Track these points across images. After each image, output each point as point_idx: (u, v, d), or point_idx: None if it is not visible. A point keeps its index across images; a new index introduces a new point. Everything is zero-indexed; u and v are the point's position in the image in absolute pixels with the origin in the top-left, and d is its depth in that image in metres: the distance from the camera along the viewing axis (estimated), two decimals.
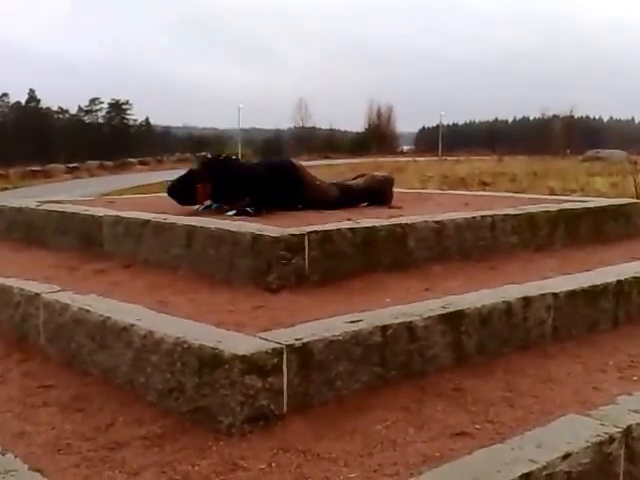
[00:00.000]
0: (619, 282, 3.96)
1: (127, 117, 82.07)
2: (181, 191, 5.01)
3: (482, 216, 4.58)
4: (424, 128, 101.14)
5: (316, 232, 3.77)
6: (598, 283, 3.87)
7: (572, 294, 3.71)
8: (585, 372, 3.24)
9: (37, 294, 3.65)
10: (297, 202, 5.04)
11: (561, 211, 5.11)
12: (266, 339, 2.76)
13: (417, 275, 3.96)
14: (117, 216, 4.57)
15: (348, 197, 5.30)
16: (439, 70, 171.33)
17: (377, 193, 5.47)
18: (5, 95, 73.36)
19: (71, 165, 46.63)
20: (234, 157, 5.34)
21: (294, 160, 5.38)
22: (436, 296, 3.49)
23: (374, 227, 4.03)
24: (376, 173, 6.03)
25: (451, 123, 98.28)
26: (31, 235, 5.25)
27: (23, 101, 75.03)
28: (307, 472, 2.33)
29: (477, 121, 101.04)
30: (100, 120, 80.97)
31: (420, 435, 2.58)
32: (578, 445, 2.46)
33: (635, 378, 3.19)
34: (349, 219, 4.24)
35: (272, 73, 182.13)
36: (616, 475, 2.58)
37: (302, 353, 2.74)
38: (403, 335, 3.04)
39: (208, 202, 5.05)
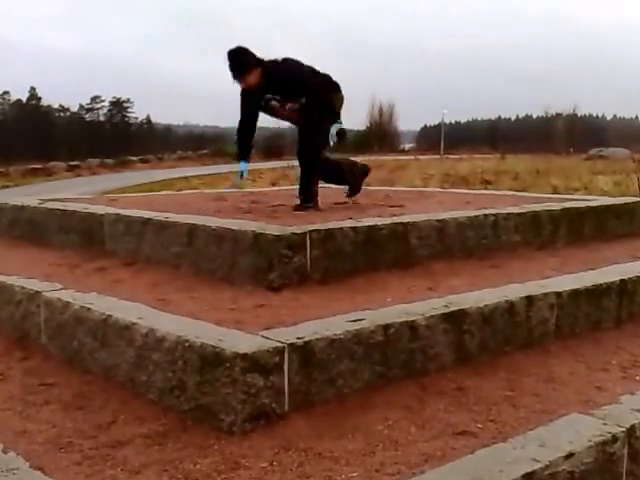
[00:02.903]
0: (622, 281, 3.95)
1: (128, 115, 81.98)
2: (241, 62, 5.11)
3: (485, 214, 4.58)
4: (426, 126, 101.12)
5: (318, 231, 3.76)
6: (601, 282, 3.87)
7: (575, 293, 3.70)
8: (588, 371, 3.23)
9: (38, 292, 3.65)
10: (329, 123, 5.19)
11: (564, 210, 5.10)
12: (268, 337, 2.76)
13: (419, 273, 3.95)
14: (118, 214, 4.56)
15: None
16: (441, 68, 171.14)
17: (352, 173, 5.59)
18: (6, 93, 73.31)
19: (72, 163, 46.55)
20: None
21: None
22: (438, 295, 3.48)
23: (376, 226, 4.02)
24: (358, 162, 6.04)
25: (453, 121, 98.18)
26: (32, 233, 5.24)
27: (24, 99, 74.99)
28: (309, 471, 2.32)
29: (479, 119, 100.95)
30: (101, 118, 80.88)
31: (422, 434, 2.57)
32: (581, 444, 2.46)
33: (638, 377, 3.18)
34: (350, 218, 4.23)
35: None
36: (619, 475, 2.57)
37: (304, 352, 2.73)
38: (405, 334, 3.03)
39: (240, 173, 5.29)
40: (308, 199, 5.16)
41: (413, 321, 3.07)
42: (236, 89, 5.06)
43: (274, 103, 5.15)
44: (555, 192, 12.83)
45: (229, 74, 5.08)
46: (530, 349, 3.43)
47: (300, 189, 5.28)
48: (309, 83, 5.12)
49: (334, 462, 2.37)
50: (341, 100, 5.23)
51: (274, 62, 5.18)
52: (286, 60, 5.23)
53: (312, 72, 5.20)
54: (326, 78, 5.19)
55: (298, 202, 5.16)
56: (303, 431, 2.58)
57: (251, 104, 5.13)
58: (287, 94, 5.15)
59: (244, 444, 2.49)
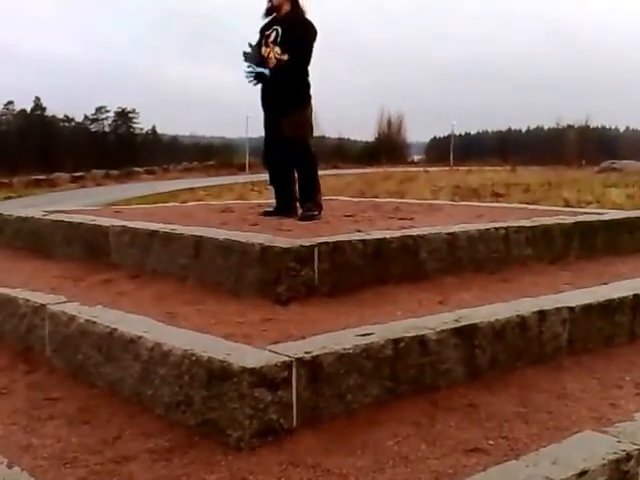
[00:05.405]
0: (636, 296, 3.89)
1: (133, 126, 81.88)
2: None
3: (495, 228, 4.54)
4: (435, 138, 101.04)
5: (326, 243, 3.73)
6: (614, 297, 3.81)
7: (588, 308, 3.65)
8: (601, 387, 3.18)
9: (43, 305, 3.62)
10: None
11: (576, 223, 5.06)
12: (275, 352, 2.72)
13: (429, 287, 3.91)
14: (124, 226, 4.54)
15: None
16: (450, 79, 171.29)
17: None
18: (10, 103, 73.39)
19: (76, 174, 46.47)
20: None
21: None
22: (449, 309, 3.44)
23: (385, 239, 3.98)
24: None
25: (463, 133, 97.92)
26: (37, 245, 5.22)
27: (28, 109, 75.10)
28: None
29: (490, 131, 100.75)
30: (106, 129, 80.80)
31: (432, 451, 2.53)
32: (594, 462, 2.42)
33: None
34: (359, 230, 4.20)
35: None
36: None
37: (312, 366, 2.70)
38: (415, 349, 2.99)
39: None
40: (314, 207, 5.10)
41: (423, 335, 3.03)
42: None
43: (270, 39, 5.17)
44: (567, 205, 12.75)
45: None
46: (542, 364, 3.38)
47: (303, 197, 5.22)
48: (306, 76, 5.15)
49: (343, 479, 2.34)
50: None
51: (304, 17, 5.17)
52: (311, 29, 5.16)
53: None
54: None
55: (303, 212, 5.11)
56: (311, 447, 2.54)
57: None
58: (283, 46, 5.10)
59: (252, 460, 2.45)
